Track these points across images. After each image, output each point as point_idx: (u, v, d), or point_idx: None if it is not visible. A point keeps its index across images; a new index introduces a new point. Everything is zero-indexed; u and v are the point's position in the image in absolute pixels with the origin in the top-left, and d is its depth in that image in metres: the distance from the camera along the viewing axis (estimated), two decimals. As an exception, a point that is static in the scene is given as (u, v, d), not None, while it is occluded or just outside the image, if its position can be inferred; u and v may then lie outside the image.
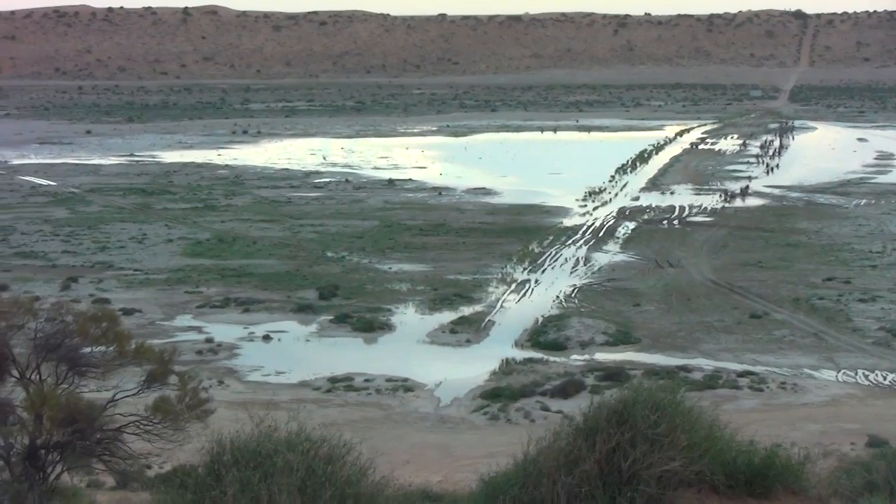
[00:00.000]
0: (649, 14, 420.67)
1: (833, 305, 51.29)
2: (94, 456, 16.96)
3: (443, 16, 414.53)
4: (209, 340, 45.92)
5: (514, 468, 11.23)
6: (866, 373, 41.76)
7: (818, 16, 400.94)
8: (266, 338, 47.89)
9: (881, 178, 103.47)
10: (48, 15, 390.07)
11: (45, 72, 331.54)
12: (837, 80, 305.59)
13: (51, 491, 15.94)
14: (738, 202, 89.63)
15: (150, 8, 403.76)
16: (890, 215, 79.69)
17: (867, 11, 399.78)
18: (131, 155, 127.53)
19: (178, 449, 17.69)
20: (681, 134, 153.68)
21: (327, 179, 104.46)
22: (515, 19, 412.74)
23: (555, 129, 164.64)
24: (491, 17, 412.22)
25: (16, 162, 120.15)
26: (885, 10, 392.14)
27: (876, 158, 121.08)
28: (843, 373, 41.24)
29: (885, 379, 40.44)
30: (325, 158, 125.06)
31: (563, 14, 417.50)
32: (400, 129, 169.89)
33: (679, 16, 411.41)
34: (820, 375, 41.47)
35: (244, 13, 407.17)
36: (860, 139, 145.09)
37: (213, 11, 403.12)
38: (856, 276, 58.16)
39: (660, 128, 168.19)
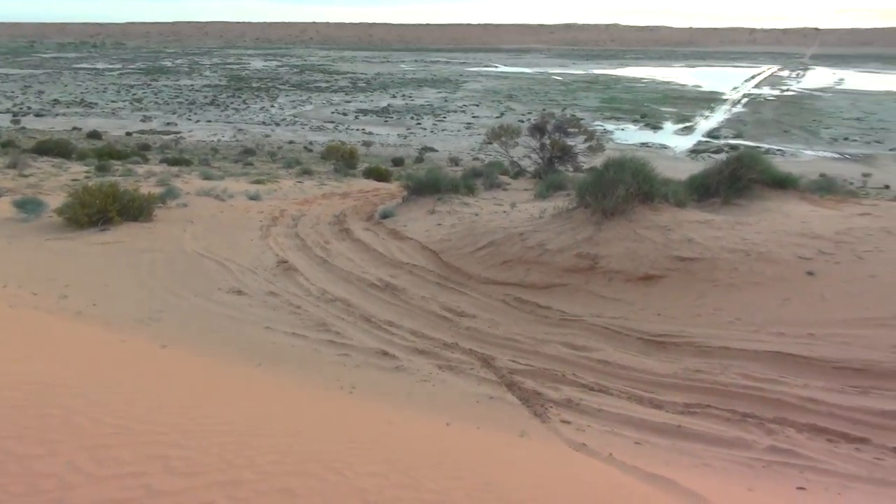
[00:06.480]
0: None
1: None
2: (567, 163, 23.20)
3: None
4: (605, 129, 57.81)
5: (699, 172, 12.14)
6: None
7: None
8: (623, 129, 60.97)
9: None
10: None
11: None
12: None
13: (554, 171, 21.79)
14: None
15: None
16: None
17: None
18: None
19: (593, 161, 23.31)
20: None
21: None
22: None
23: None
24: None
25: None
26: None
27: None
28: None
29: None
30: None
31: None
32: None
33: None
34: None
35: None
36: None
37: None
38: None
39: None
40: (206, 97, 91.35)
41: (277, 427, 3.54)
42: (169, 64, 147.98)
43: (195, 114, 76.62)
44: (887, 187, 35.40)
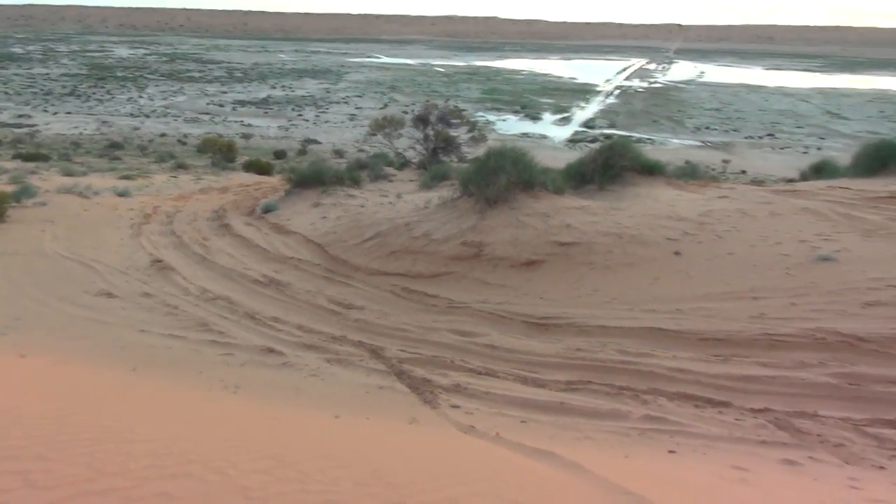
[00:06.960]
0: None
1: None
2: (451, 153, 23.40)
3: None
4: (487, 119, 57.40)
5: (575, 161, 12.77)
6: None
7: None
8: (504, 120, 61.36)
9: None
10: None
11: None
12: None
13: (438, 161, 22.17)
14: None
15: None
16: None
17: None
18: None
19: (476, 151, 24.64)
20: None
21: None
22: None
23: None
24: None
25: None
26: None
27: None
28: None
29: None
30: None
31: None
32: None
33: None
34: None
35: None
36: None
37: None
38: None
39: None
40: (64, 87, 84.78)
41: (154, 432, 3.38)
42: (19, 50, 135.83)
43: (52, 105, 70.97)
44: (744, 172, 38.47)
